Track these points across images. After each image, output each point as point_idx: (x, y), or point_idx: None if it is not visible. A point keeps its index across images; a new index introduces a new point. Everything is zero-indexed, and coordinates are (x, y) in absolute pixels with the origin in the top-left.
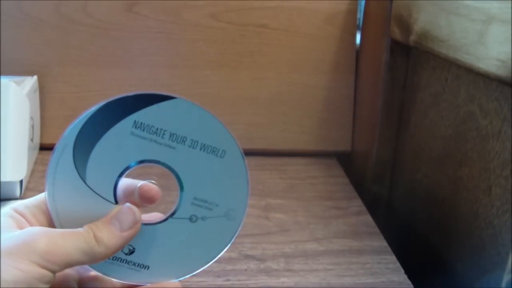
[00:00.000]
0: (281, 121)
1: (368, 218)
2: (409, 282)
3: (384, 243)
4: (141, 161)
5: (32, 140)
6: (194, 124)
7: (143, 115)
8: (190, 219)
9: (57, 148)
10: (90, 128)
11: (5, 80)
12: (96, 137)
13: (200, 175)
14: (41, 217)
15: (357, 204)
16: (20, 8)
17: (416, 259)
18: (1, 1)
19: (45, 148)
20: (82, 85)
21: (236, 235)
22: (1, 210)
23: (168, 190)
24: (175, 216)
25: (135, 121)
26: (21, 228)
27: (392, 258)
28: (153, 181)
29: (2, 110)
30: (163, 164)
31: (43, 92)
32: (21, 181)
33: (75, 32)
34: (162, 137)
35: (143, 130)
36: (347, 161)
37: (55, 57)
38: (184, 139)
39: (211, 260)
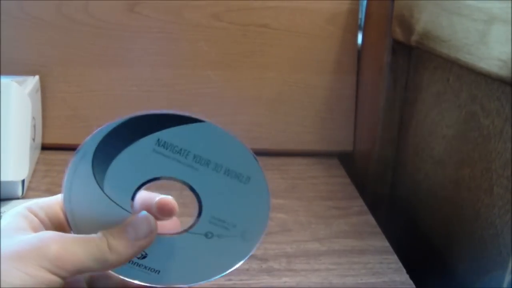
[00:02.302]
0: (282, 121)
1: (369, 218)
2: (411, 282)
3: (386, 243)
4: (161, 177)
5: (34, 140)
6: (220, 149)
7: (168, 134)
8: (206, 235)
9: (77, 153)
10: (112, 140)
11: (7, 80)
12: (117, 149)
13: (221, 198)
14: (54, 219)
15: (359, 204)
16: (21, 8)
17: (417, 259)
18: (2, 0)
19: (47, 148)
20: (83, 85)
21: (250, 254)
22: (15, 209)
23: (176, 190)
24: (191, 231)
25: (158, 139)
26: (34, 228)
27: (394, 258)
28: (170, 196)
29: (4, 109)
30: (183, 182)
31: (45, 92)
32: (23, 181)
33: (77, 32)
34: (185, 157)
35: (166, 149)
36: (348, 161)
37: (57, 57)
38: (208, 162)
39: (222, 274)
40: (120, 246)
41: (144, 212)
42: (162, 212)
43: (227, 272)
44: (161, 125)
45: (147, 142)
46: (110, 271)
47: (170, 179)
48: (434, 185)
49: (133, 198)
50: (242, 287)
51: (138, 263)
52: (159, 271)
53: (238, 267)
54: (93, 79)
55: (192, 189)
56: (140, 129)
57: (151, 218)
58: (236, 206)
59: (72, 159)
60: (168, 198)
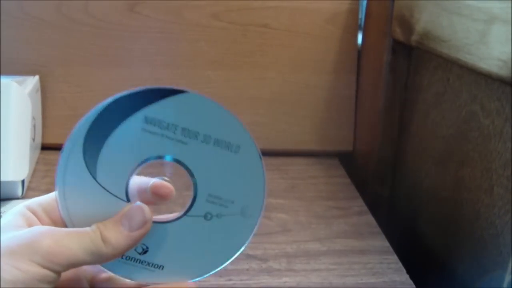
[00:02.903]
0: (282, 121)
1: (369, 218)
2: (411, 282)
3: (386, 243)
4: (153, 158)
5: (33, 139)
6: (206, 119)
7: (154, 110)
8: (205, 216)
9: (66, 146)
10: (100, 125)
11: (7, 80)
12: (106, 133)
13: (214, 171)
14: (54, 215)
15: (359, 204)
16: (21, 8)
17: (418, 259)
18: (2, 0)
19: (47, 147)
20: (83, 85)
21: (253, 233)
22: (15, 207)
23: (176, 190)
24: (189, 214)
25: (145, 117)
26: (30, 225)
27: (394, 258)
28: (165, 178)
29: (4, 109)
30: (175, 160)
31: (45, 92)
32: (23, 181)
33: (77, 32)
34: (174, 132)
35: (154, 126)
36: (348, 161)
37: (57, 57)
38: (197, 134)
39: (228, 260)
40: (115, 238)
41: (138, 202)
42: (158, 195)
43: (233, 258)
44: (145, 101)
45: (135, 121)
46: (111, 273)
47: (162, 159)
48: (434, 185)
49: (127, 184)
50: (242, 287)
51: (140, 260)
52: (162, 267)
53: (238, 267)
54: (93, 79)
55: (184, 167)
56: (126, 108)
57: (146, 208)
58: (230, 179)
59: (62, 152)
60: (163, 181)
